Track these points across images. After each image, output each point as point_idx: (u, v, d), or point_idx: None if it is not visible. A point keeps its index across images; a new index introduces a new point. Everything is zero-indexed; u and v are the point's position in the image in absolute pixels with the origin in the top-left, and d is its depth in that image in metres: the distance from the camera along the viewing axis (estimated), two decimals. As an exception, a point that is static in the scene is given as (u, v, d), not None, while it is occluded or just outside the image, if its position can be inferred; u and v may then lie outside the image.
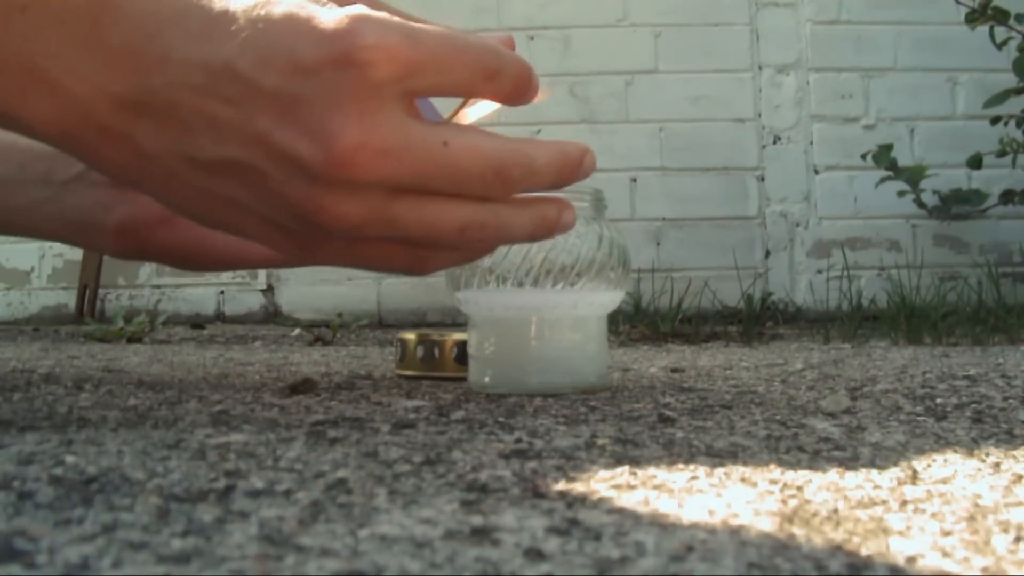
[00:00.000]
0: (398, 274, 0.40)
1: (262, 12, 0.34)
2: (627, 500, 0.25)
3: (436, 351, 0.57)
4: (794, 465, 0.31)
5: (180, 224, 0.54)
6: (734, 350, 0.97)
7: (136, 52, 0.35)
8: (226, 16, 0.35)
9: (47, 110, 0.35)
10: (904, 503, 0.25)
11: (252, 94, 0.34)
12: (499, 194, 0.38)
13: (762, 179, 1.65)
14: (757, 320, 1.31)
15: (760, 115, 1.66)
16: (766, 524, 0.23)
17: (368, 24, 0.34)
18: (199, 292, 1.68)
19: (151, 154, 0.36)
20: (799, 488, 0.27)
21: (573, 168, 0.39)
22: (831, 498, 0.26)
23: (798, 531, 0.22)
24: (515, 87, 0.38)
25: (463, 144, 0.36)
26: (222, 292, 1.68)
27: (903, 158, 1.54)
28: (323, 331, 1.23)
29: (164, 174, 0.36)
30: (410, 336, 0.59)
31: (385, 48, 0.34)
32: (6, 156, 0.54)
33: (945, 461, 0.32)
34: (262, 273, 1.66)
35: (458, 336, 0.57)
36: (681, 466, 0.30)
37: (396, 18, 0.35)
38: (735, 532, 0.22)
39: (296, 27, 0.34)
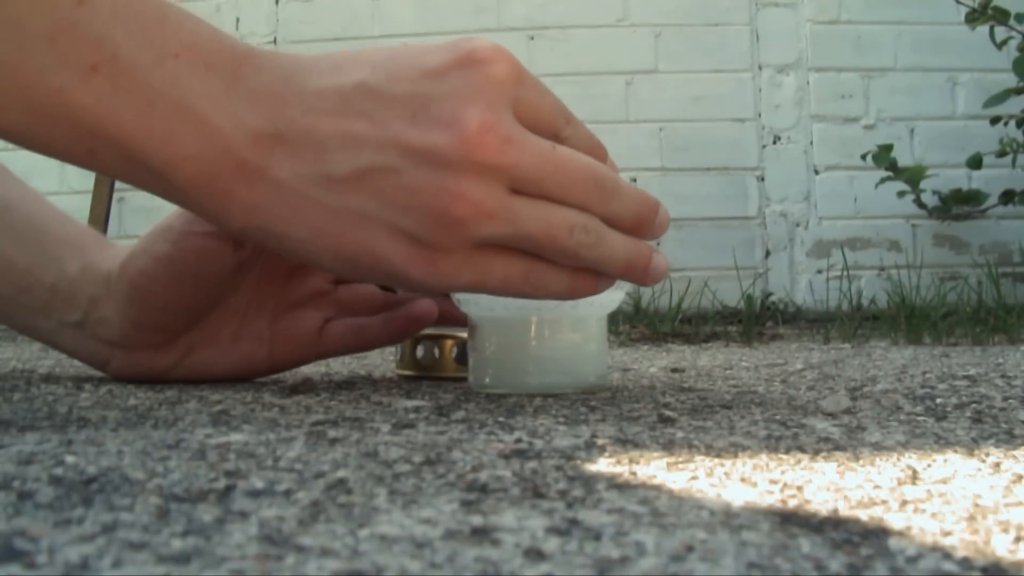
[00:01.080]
0: (513, 292, 0.42)
1: (384, 50, 0.40)
2: (627, 500, 0.25)
3: (436, 351, 0.57)
4: (794, 465, 0.31)
5: (181, 370, 0.54)
6: (734, 350, 0.97)
7: (274, 91, 0.38)
8: (352, 55, 0.39)
9: (191, 146, 0.37)
10: (904, 503, 0.25)
11: (385, 103, 0.38)
12: (597, 204, 0.41)
13: (762, 179, 1.65)
14: (757, 320, 1.31)
15: (760, 115, 1.66)
16: (766, 524, 0.23)
17: (478, 39, 0.39)
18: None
19: (285, 183, 0.38)
20: (799, 488, 0.27)
21: (652, 207, 0.43)
22: (831, 498, 0.26)
23: (798, 531, 0.22)
24: (589, 145, 0.42)
25: (567, 151, 0.40)
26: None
27: (903, 158, 1.54)
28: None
29: (296, 201, 0.38)
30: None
31: (499, 51, 0.38)
32: (5, 275, 0.54)
33: (945, 461, 0.32)
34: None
35: (458, 336, 0.57)
36: (681, 466, 0.30)
37: None
38: (735, 532, 0.22)
39: (420, 48, 0.39)
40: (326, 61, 0.39)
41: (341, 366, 0.71)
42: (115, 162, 0.38)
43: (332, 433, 0.36)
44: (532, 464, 0.30)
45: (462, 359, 0.56)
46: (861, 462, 0.31)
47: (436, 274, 0.40)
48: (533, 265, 0.41)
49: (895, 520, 0.24)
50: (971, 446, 0.35)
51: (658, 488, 0.27)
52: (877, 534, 0.22)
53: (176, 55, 0.37)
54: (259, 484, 0.27)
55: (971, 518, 0.24)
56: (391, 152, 0.37)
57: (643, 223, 0.43)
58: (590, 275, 0.43)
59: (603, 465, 0.30)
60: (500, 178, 0.38)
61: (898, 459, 0.32)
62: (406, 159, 0.37)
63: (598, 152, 0.43)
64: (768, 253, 1.65)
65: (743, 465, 0.31)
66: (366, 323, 0.55)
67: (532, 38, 1.67)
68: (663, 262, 0.44)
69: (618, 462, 0.31)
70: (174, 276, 0.49)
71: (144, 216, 1.64)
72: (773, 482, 0.28)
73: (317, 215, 0.39)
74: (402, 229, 0.38)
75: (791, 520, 0.23)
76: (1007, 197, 1.50)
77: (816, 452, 0.33)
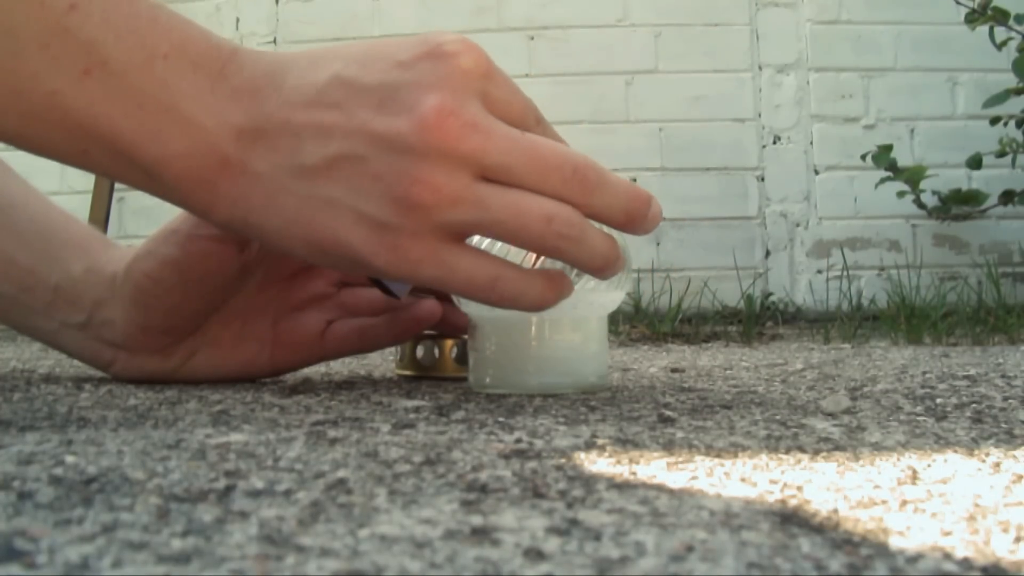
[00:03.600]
0: (476, 295, 0.42)
1: (361, 43, 0.41)
2: (627, 500, 0.25)
3: (436, 351, 0.57)
4: (794, 465, 0.31)
5: (184, 372, 0.54)
6: (734, 350, 0.97)
7: (255, 88, 0.40)
8: (332, 51, 0.41)
9: (179, 145, 0.39)
10: (904, 503, 0.25)
11: (356, 93, 0.39)
12: (579, 196, 0.40)
13: (762, 179, 1.65)
14: (757, 320, 1.31)
15: (760, 115, 1.66)
16: (766, 524, 0.23)
17: (452, 34, 0.40)
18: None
19: (262, 174, 0.40)
20: (799, 488, 0.27)
21: (644, 201, 0.42)
22: (831, 498, 0.26)
23: (798, 531, 0.22)
24: (555, 142, 0.42)
25: (538, 138, 0.40)
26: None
27: (903, 158, 1.54)
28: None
29: (272, 192, 0.40)
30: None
31: (469, 45, 0.39)
32: (7, 274, 0.54)
33: (945, 461, 0.32)
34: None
35: (458, 336, 0.57)
36: (681, 466, 0.30)
37: None
38: (735, 532, 0.22)
39: (394, 42, 0.40)
40: (305, 57, 0.41)
41: (341, 366, 0.71)
42: (108, 161, 0.40)
43: (332, 433, 0.36)
44: (532, 464, 0.30)
45: (462, 359, 0.56)
46: (861, 462, 0.31)
47: (398, 262, 0.40)
48: (503, 272, 0.41)
49: (895, 520, 0.24)
50: (971, 446, 0.35)
51: (658, 488, 0.27)
52: (877, 534, 0.22)
53: (165, 56, 0.39)
54: (259, 484, 0.27)
55: (971, 518, 0.24)
56: (358, 139, 0.38)
57: (635, 217, 0.42)
58: (563, 282, 0.43)
59: (603, 465, 0.30)
60: (464, 164, 0.38)
61: (898, 459, 0.32)
62: (371, 146, 0.38)
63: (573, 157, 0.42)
64: (768, 253, 1.65)
65: (743, 465, 0.31)
66: (369, 324, 0.55)
67: (532, 38, 1.67)
68: (625, 264, 0.44)
69: (618, 462, 0.31)
70: (180, 279, 0.49)
71: (144, 216, 1.64)
72: (773, 482, 0.28)
73: (290, 204, 0.40)
74: (367, 215, 0.39)
75: (791, 520, 0.23)
76: (1007, 197, 1.50)
77: (816, 452, 0.33)
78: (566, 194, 0.40)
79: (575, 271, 0.48)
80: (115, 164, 0.40)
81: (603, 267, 0.42)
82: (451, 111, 0.37)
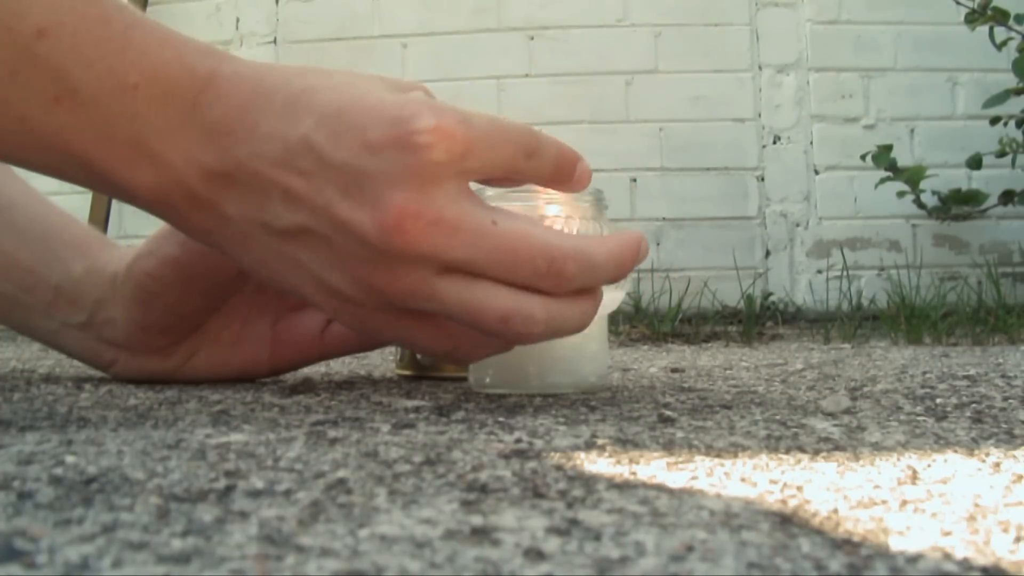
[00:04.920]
0: (443, 359, 0.43)
1: (338, 93, 0.38)
2: (627, 500, 0.25)
3: (436, 351, 0.57)
4: (794, 465, 0.31)
5: (185, 372, 0.54)
6: (734, 350, 0.97)
7: (227, 128, 0.39)
8: (306, 94, 0.38)
9: (148, 178, 0.39)
10: (904, 503, 0.25)
11: (323, 167, 0.37)
12: (553, 287, 0.39)
13: (762, 179, 1.65)
14: (757, 320, 1.31)
15: (760, 115, 1.66)
16: (766, 524, 0.23)
17: (427, 109, 0.37)
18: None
19: (233, 219, 0.40)
20: (799, 488, 0.27)
21: (632, 259, 0.41)
22: (831, 498, 0.26)
23: (798, 531, 0.22)
24: (556, 166, 0.41)
25: (512, 227, 0.38)
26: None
27: (903, 158, 1.54)
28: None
29: (243, 236, 0.40)
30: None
31: (442, 131, 0.36)
32: (7, 274, 0.54)
33: (945, 461, 0.32)
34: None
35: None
36: (681, 466, 0.30)
37: (449, 105, 0.38)
38: (735, 532, 0.22)
39: (365, 108, 0.37)
40: (282, 95, 0.39)
41: (341, 366, 0.71)
42: (85, 179, 0.40)
43: (332, 433, 0.36)
44: (532, 464, 0.30)
45: (462, 359, 0.56)
46: (861, 462, 0.31)
47: (360, 327, 0.41)
48: (461, 341, 0.41)
49: (895, 520, 0.24)
50: (971, 446, 0.35)
51: (658, 488, 0.27)
52: (877, 534, 0.22)
53: (135, 86, 0.38)
54: (259, 484, 0.27)
55: (971, 518, 0.24)
56: (323, 219, 0.38)
57: (624, 274, 0.41)
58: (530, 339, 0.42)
59: (603, 465, 0.30)
60: (424, 262, 0.37)
61: (898, 459, 0.32)
62: (336, 230, 0.38)
63: (566, 167, 0.41)
64: (768, 253, 1.65)
65: (743, 465, 0.31)
66: None
67: (532, 38, 1.67)
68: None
69: (618, 462, 0.31)
70: (180, 277, 0.49)
71: (144, 217, 1.63)
72: (773, 482, 0.28)
73: (260, 251, 0.40)
74: (330, 285, 0.39)
75: (791, 520, 0.23)
76: (1007, 197, 1.50)
77: (816, 452, 0.33)
78: (539, 286, 0.38)
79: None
80: (92, 182, 0.40)
81: (581, 328, 0.41)
82: (413, 213, 0.36)
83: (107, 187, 0.40)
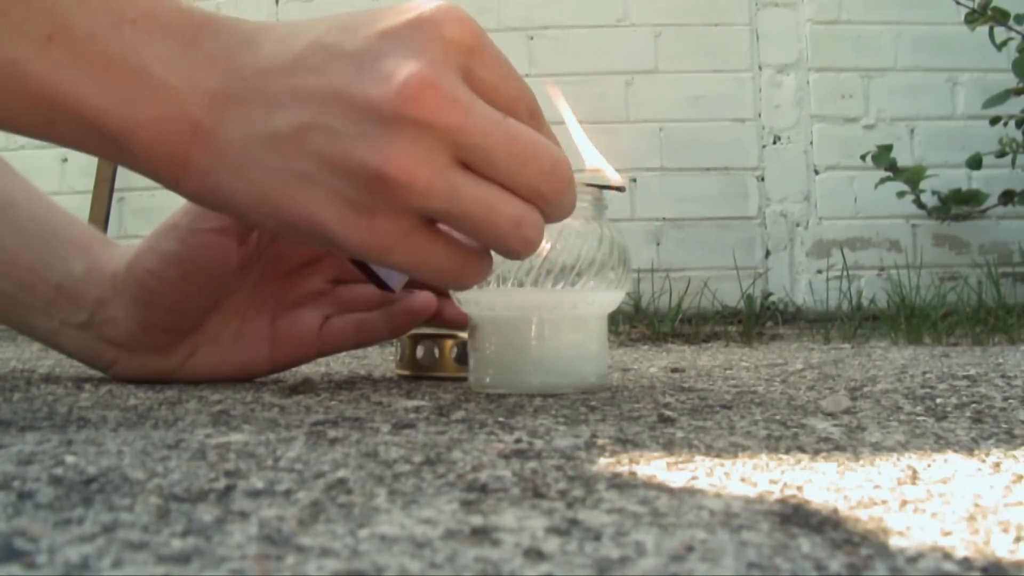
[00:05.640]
0: (443, 282, 0.41)
1: (346, 14, 0.38)
2: (627, 500, 0.25)
3: (436, 351, 0.57)
4: (794, 465, 0.31)
5: (185, 371, 0.54)
6: (734, 350, 0.97)
7: (229, 54, 0.38)
8: (311, 21, 0.38)
9: (149, 110, 0.37)
10: (904, 503, 0.25)
11: (334, 57, 0.37)
12: (551, 193, 0.39)
13: (762, 179, 1.65)
14: (757, 320, 1.31)
15: (760, 115, 1.66)
16: (766, 524, 0.23)
17: (446, 3, 0.38)
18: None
19: (232, 142, 0.37)
20: (799, 488, 0.27)
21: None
22: (831, 498, 0.26)
23: (798, 531, 0.22)
24: (550, 161, 0.39)
25: (519, 125, 0.38)
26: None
27: (903, 158, 1.54)
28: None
29: (242, 163, 0.38)
30: (410, 336, 0.59)
31: (458, 15, 0.37)
32: (8, 272, 0.54)
33: (945, 461, 0.32)
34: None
35: (458, 336, 0.57)
36: (681, 466, 0.30)
37: None
38: (735, 532, 0.22)
39: (381, 11, 0.38)
40: (283, 27, 0.39)
41: (341, 366, 0.71)
42: (74, 132, 0.38)
43: (332, 433, 0.36)
44: (532, 464, 0.30)
45: (462, 359, 0.56)
46: (861, 462, 0.31)
47: (371, 243, 0.38)
48: (470, 258, 0.40)
49: (895, 520, 0.24)
50: (971, 446, 0.35)
51: (658, 488, 0.27)
52: (877, 534, 0.22)
53: (133, 21, 0.37)
54: (259, 484, 0.27)
55: (971, 518, 0.24)
56: (333, 108, 0.36)
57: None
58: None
59: (603, 465, 0.30)
60: (441, 141, 0.36)
61: (898, 459, 0.32)
62: (345, 117, 0.36)
63: (557, 172, 0.39)
64: (768, 253, 1.65)
65: (743, 465, 0.31)
66: (365, 318, 0.55)
67: (532, 38, 1.67)
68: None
69: (618, 462, 0.31)
70: (181, 273, 0.49)
71: (144, 217, 1.64)
72: (773, 482, 0.28)
73: (259, 177, 0.38)
74: (339, 192, 0.37)
75: (791, 520, 0.23)
76: (1007, 197, 1.50)
77: (816, 452, 0.33)
78: (542, 187, 0.38)
79: (576, 272, 0.48)
80: (82, 135, 0.38)
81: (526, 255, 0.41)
82: (430, 82, 0.35)
83: (98, 138, 0.38)
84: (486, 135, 0.36)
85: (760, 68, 1.66)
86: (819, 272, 1.63)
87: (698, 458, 0.32)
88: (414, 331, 0.59)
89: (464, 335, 0.55)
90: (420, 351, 0.58)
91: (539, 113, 0.40)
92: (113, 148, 0.38)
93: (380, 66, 0.36)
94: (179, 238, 0.49)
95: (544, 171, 0.38)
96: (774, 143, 1.65)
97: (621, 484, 0.27)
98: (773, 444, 0.35)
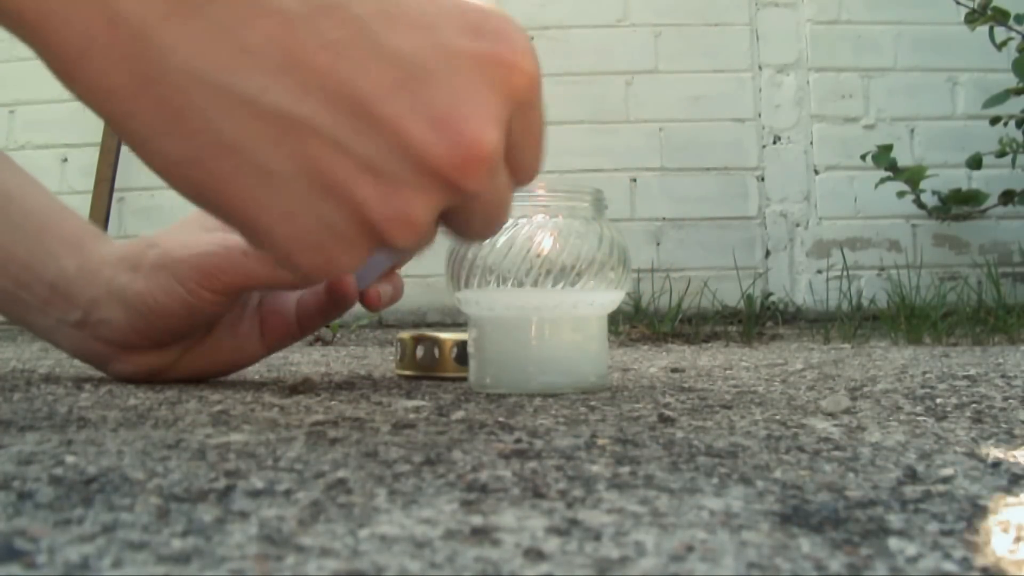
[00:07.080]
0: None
1: None
2: (627, 500, 0.25)
3: (436, 351, 0.57)
4: (794, 465, 0.31)
5: (183, 366, 0.55)
6: (734, 350, 0.97)
7: None
8: None
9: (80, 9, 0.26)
10: (904, 503, 0.25)
11: (375, 48, 0.28)
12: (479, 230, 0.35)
13: (762, 179, 1.65)
14: (757, 320, 1.31)
15: (760, 115, 1.66)
16: (766, 524, 0.23)
17: (515, 26, 0.31)
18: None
19: (175, 67, 0.27)
20: (799, 488, 0.27)
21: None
22: (831, 498, 0.26)
23: (798, 531, 0.22)
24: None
25: (510, 195, 0.34)
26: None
27: (903, 158, 1.54)
28: (323, 331, 1.23)
29: (177, 102, 0.27)
30: (410, 336, 0.59)
31: (530, 59, 0.31)
32: (4, 269, 0.54)
33: (945, 461, 0.32)
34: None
35: (458, 336, 0.57)
36: (681, 466, 0.30)
37: None
38: (735, 532, 0.22)
39: (444, 8, 0.30)
40: None
41: (341, 366, 0.71)
42: None
43: (332, 433, 0.36)
44: (532, 464, 0.30)
45: (462, 359, 0.56)
46: (861, 462, 0.31)
47: (324, 273, 0.32)
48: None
49: (895, 520, 0.24)
50: (971, 446, 0.35)
51: (658, 488, 0.27)
52: (877, 534, 0.22)
53: None
54: (259, 484, 0.27)
55: (971, 518, 0.24)
56: (348, 118, 0.28)
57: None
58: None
59: (603, 465, 0.30)
60: (451, 199, 0.30)
61: (898, 459, 0.32)
62: (362, 136, 0.28)
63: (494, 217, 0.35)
64: (768, 253, 1.65)
65: (743, 465, 0.31)
66: (331, 284, 0.52)
67: (532, 38, 1.66)
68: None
69: (618, 462, 0.31)
70: (163, 312, 0.51)
71: (144, 217, 1.64)
72: (773, 482, 0.28)
73: (200, 142, 0.28)
74: (312, 212, 0.29)
75: (791, 520, 0.23)
76: (1007, 197, 1.50)
77: (816, 452, 0.33)
78: (482, 236, 0.36)
79: (576, 272, 0.48)
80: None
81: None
82: (485, 156, 0.29)
83: (22, 32, 0.27)
84: (485, 203, 0.32)
85: (760, 68, 1.66)
86: (819, 272, 1.63)
87: (698, 458, 0.32)
88: (414, 331, 0.59)
89: (464, 335, 0.55)
90: (420, 351, 0.58)
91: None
92: (38, 48, 0.27)
93: (433, 97, 0.28)
94: (150, 290, 0.50)
95: (493, 231, 0.35)
96: (774, 143, 1.65)
97: (621, 484, 0.27)
98: (773, 444, 0.35)
